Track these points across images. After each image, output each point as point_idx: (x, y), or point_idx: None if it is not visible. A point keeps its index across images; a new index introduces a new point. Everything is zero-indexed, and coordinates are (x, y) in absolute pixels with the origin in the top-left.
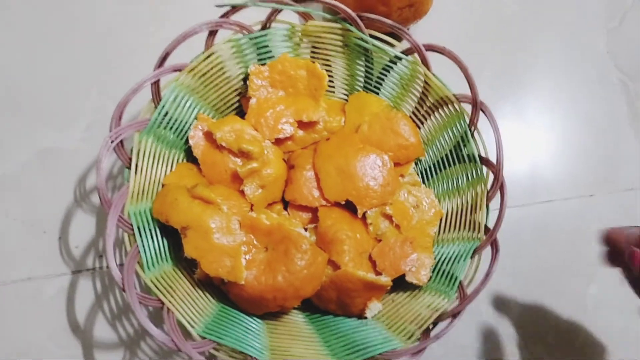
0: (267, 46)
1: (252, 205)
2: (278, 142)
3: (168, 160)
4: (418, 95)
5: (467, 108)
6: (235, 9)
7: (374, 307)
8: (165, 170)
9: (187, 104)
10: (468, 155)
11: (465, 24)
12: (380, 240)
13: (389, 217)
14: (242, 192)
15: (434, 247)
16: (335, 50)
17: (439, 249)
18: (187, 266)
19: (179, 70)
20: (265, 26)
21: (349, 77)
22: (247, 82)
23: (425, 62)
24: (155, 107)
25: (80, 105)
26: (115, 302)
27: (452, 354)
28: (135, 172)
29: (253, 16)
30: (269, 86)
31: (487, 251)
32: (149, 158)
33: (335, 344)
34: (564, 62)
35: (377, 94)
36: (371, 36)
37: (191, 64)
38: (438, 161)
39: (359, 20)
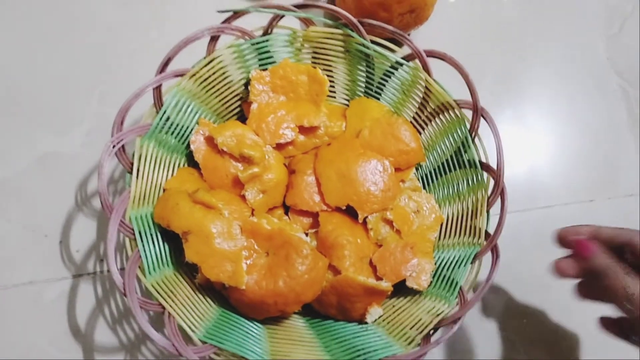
0: (268, 51)
1: (253, 210)
2: (279, 147)
3: (169, 165)
4: (419, 100)
5: (468, 114)
6: (237, 14)
7: (374, 312)
8: (167, 175)
9: (189, 109)
10: (469, 161)
11: (465, 30)
12: (380, 246)
13: (389, 222)
14: (243, 197)
15: (435, 253)
16: (336, 55)
17: (439, 254)
18: (188, 271)
19: (181, 75)
20: (266, 32)
21: (350, 82)
22: (249, 87)
23: (426, 68)
24: (157, 112)
25: (82, 109)
26: (116, 306)
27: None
28: (137, 177)
29: (255, 22)
30: (270, 91)
31: (488, 256)
32: (150, 163)
33: (336, 349)
34: (564, 68)
35: (378, 99)
36: (372, 42)
37: (193, 70)
38: (439, 166)
39: (360, 26)
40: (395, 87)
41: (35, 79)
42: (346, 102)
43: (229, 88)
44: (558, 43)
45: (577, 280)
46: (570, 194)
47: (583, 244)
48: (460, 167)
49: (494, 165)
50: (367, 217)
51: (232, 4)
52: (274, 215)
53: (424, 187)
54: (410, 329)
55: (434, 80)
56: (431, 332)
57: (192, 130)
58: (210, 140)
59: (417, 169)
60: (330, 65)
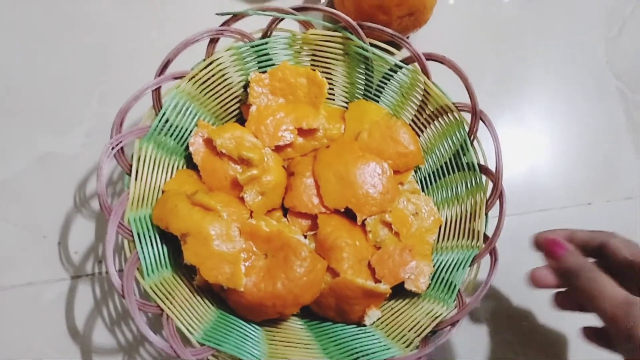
0: (267, 54)
1: (251, 212)
2: (278, 149)
3: (168, 166)
4: (418, 103)
5: (467, 116)
6: (236, 17)
7: (372, 315)
8: (166, 177)
9: (188, 111)
10: (467, 164)
11: (465, 31)
12: (379, 248)
13: (388, 225)
14: (241, 199)
15: (433, 255)
16: (335, 58)
17: (438, 256)
18: (187, 273)
19: (180, 77)
20: (266, 34)
21: (349, 85)
22: (248, 90)
23: (425, 71)
24: (156, 114)
25: (81, 110)
26: (115, 308)
27: None
28: (136, 179)
29: (254, 24)
30: (269, 94)
31: (486, 259)
32: (149, 164)
33: (334, 351)
34: (563, 71)
35: (377, 102)
36: (371, 45)
37: (192, 72)
38: (437, 169)
39: (359, 29)
40: (394, 90)
41: (35, 79)
42: (345, 105)
43: (228, 90)
44: (557, 45)
45: (555, 290)
46: (568, 196)
47: (555, 242)
48: (458, 170)
49: (492, 167)
50: (365, 219)
51: (231, 6)
52: (273, 218)
53: (423, 190)
54: (409, 331)
55: (433, 83)
56: (429, 334)
57: (191, 132)
58: (209, 143)
59: (415, 172)
60: (329, 68)
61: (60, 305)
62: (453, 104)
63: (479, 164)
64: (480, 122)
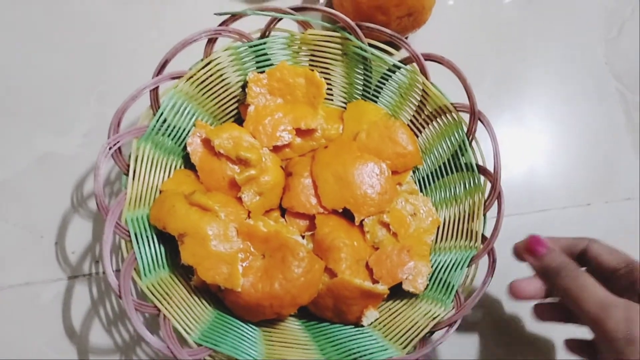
0: (266, 54)
1: (249, 212)
2: (276, 149)
3: (166, 166)
4: (416, 104)
5: (466, 117)
6: (234, 17)
7: (370, 315)
8: (163, 177)
9: (186, 111)
10: (466, 164)
11: (464, 31)
12: (377, 248)
13: (386, 225)
14: (239, 199)
15: (431, 256)
16: (334, 58)
17: (435, 257)
18: (184, 273)
19: (178, 77)
20: (264, 34)
21: (348, 85)
22: (246, 90)
23: (423, 71)
24: (154, 114)
25: (79, 111)
26: (112, 308)
27: None
28: (133, 179)
29: (252, 24)
30: (267, 94)
31: (484, 260)
32: (146, 164)
33: (332, 351)
34: (562, 72)
35: (376, 102)
36: (370, 45)
37: (190, 72)
38: (436, 170)
39: (358, 29)
40: (393, 90)
41: (35, 79)
42: (343, 105)
43: (226, 90)
44: (557, 46)
45: (535, 302)
46: (568, 196)
47: (537, 241)
48: (457, 170)
49: (491, 168)
50: (363, 219)
51: (230, 6)
52: (271, 218)
53: (421, 190)
54: (407, 332)
55: (432, 83)
56: (427, 335)
57: (188, 132)
58: (207, 143)
59: (414, 172)
60: (327, 68)
61: (57, 305)
62: (451, 104)
63: (477, 165)
64: (479, 122)
